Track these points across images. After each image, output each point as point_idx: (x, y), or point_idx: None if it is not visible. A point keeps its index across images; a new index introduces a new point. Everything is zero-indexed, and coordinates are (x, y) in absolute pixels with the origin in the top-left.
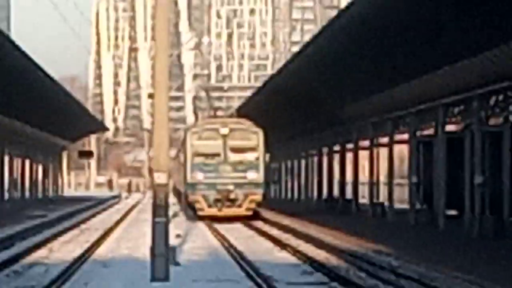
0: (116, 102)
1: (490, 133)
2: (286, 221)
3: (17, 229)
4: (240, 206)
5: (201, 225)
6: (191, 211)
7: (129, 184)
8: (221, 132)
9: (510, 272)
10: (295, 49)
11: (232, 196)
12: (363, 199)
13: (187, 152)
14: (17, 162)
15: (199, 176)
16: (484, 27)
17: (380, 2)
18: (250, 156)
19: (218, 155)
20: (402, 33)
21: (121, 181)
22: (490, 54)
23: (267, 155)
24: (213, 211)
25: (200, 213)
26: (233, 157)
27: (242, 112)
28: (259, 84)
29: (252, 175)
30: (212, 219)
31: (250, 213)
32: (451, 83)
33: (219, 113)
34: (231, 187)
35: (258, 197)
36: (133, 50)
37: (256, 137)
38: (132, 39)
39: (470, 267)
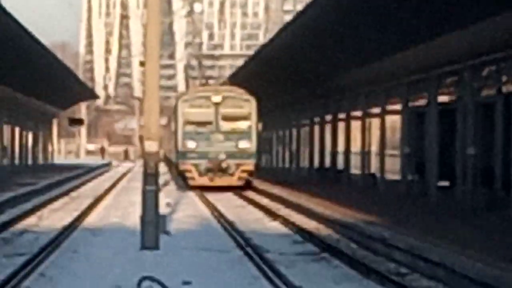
0: (107, 69)
1: (482, 104)
2: (276, 190)
3: (7, 196)
4: (232, 175)
5: (191, 194)
6: (182, 181)
7: (126, 152)
8: (213, 100)
9: (501, 243)
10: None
11: (224, 165)
12: (355, 170)
13: (178, 120)
14: (7, 130)
15: (191, 144)
16: None
17: None
18: (242, 125)
19: (210, 123)
20: (394, 3)
21: (112, 149)
22: (483, 24)
23: (260, 124)
24: (205, 180)
25: (191, 182)
26: (225, 125)
27: (234, 80)
28: (251, 53)
29: (244, 144)
30: (203, 189)
31: (242, 182)
32: (444, 53)
33: (211, 81)
34: (223, 156)
35: (250, 166)
36: (124, 17)
37: (248, 105)
38: (124, 6)
39: (461, 238)
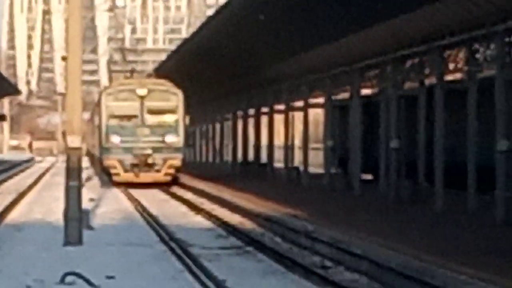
0: (29, 65)
1: (405, 97)
2: (200, 185)
3: None
4: (158, 171)
5: (115, 189)
6: (106, 177)
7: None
8: (138, 93)
9: (424, 235)
10: (210, 12)
11: (150, 160)
12: (278, 163)
13: (102, 114)
14: None
15: (115, 139)
16: None
17: None
18: (169, 119)
19: (135, 117)
20: None
21: (36, 145)
22: (405, 18)
23: (187, 118)
24: (130, 176)
25: (116, 178)
26: (151, 119)
27: (160, 73)
28: (173, 47)
29: (171, 139)
30: (129, 185)
31: (169, 178)
32: (366, 47)
33: (136, 75)
34: (149, 151)
35: (178, 161)
36: (46, 12)
37: (175, 98)
38: (46, 1)
39: (385, 231)
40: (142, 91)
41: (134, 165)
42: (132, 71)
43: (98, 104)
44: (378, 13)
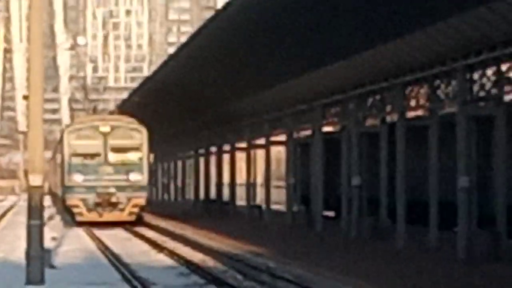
0: None
1: (367, 134)
2: (163, 223)
3: None
4: (122, 210)
5: (77, 228)
6: (69, 216)
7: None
8: (101, 130)
9: (385, 271)
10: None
11: (113, 199)
12: (241, 201)
13: (64, 152)
14: None
15: (78, 178)
16: (361, 28)
17: (254, 3)
18: (133, 157)
19: (98, 155)
20: (277, 34)
21: None
22: (366, 54)
23: (152, 155)
24: (94, 216)
25: (79, 218)
26: (115, 157)
27: (123, 109)
28: (135, 85)
29: (135, 177)
30: (92, 225)
31: (133, 218)
32: (328, 84)
33: (99, 111)
34: (112, 190)
35: (142, 200)
36: (7, 51)
37: (139, 136)
38: (7, 40)
39: (346, 267)
40: (105, 128)
41: (97, 204)
42: (95, 108)
43: (60, 141)
44: (339, 51)
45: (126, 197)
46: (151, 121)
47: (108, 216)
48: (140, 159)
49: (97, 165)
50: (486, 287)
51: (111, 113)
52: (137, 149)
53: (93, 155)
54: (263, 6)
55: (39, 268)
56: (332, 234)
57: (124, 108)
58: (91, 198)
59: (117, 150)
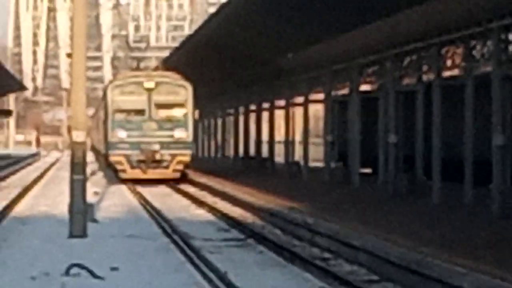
0: (35, 61)
1: (403, 93)
2: (203, 179)
3: None
4: (166, 167)
5: (118, 183)
6: (113, 173)
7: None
8: (145, 86)
9: (421, 228)
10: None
11: (157, 156)
12: (279, 158)
13: (108, 108)
14: None
15: (121, 134)
16: None
17: None
18: (177, 113)
19: (142, 111)
20: None
21: (41, 139)
22: (403, 15)
23: (196, 112)
24: (137, 173)
25: (122, 175)
26: (159, 113)
27: (169, 65)
28: (176, 44)
29: (180, 134)
30: (136, 182)
31: (177, 175)
32: (365, 44)
33: (143, 65)
34: (156, 147)
35: (187, 157)
36: (51, 10)
37: (184, 92)
38: None
39: (383, 223)
40: (149, 84)
41: (141, 161)
42: (138, 66)
43: (104, 97)
44: (376, 11)
45: (170, 154)
46: (194, 78)
47: (152, 173)
48: (185, 115)
49: (141, 121)
50: None
51: (155, 69)
52: (182, 105)
53: (137, 111)
54: None
55: (81, 222)
56: (369, 191)
57: (168, 64)
58: (135, 154)
59: (162, 106)
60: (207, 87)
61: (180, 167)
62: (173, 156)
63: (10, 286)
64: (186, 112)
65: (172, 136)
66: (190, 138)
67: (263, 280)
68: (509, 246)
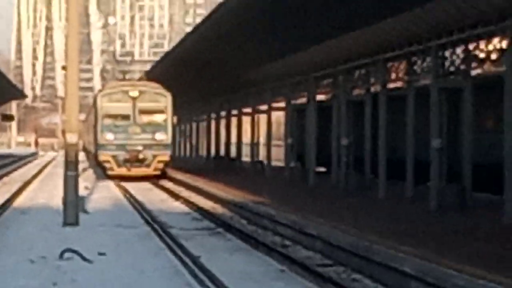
0: (34, 73)
1: (354, 102)
2: (179, 176)
3: None
4: (148, 166)
5: (106, 179)
6: (101, 171)
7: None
8: (130, 95)
9: (368, 219)
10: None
11: (141, 156)
12: (246, 158)
13: (98, 114)
14: None
15: (109, 137)
16: (350, 12)
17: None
18: (158, 118)
19: (127, 117)
20: (276, 19)
21: (39, 141)
22: (354, 34)
23: (175, 117)
24: (123, 170)
25: (110, 172)
26: (142, 118)
27: (151, 76)
28: (157, 58)
29: (160, 136)
30: (121, 179)
31: (158, 172)
32: (321, 59)
33: (128, 77)
34: (140, 148)
35: (166, 157)
36: (49, 29)
37: (164, 99)
38: (48, 19)
39: (335, 215)
40: (134, 93)
41: (126, 160)
42: (124, 77)
43: (94, 104)
44: (330, 30)
45: (152, 154)
46: (172, 88)
47: (136, 171)
48: (165, 120)
49: (127, 125)
50: (450, 231)
51: (139, 79)
52: (162, 111)
53: (123, 117)
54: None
55: (74, 212)
56: (323, 187)
57: (150, 75)
58: (121, 154)
59: (145, 112)
60: (184, 96)
61: (161, 165)
62: (155, 156)
63: (12, 268)
64: (165, 117)
65: (153, 139)
66: (169, 141)
67: (231, 263)
68: (444, 235)
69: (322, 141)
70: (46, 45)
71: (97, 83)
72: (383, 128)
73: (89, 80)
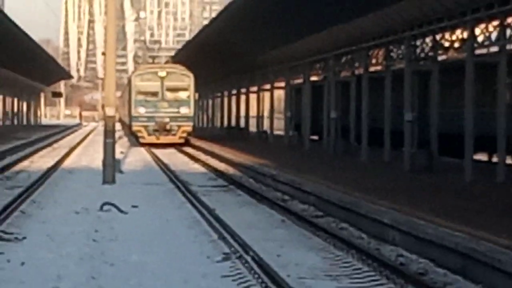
0: (79, 58)
1: (341, 83)
2: (198, 143)
3: (8, 146)
4: (174, 135)
5: (138, 146)
6: (134, 139)
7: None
8: (159, 75)
9: (353, 178)
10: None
11: (168, 127)
12: (252, 128)
13: (131, 91)
14: (9, 100)
15: (141, 110)
16: (340, 5)
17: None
18: (182, 95)
19: (156, 93)
20: (278, 11)
21: (83, 113)
22: (341, 26)
23: (196, 94)
24: (152, 138)
25: (141, 140)
26: (169, 95)
27: (176, 60)
28: (180, 46)
29: (184, 110)
30: (151, 145)
31: (182, 140)
32: (314, 47)
33: (157, 61)
34: (167, 120)
35: (189, 128)
36: (91, 21)
37: (188, 79)
38: (91, 13)
39: (326, 175)
40: (162, 73)
41: (155, 130)
42: (153, 61)
43: (129, 83)
44: (322, 23)
45: (177, 125)
46: (194, 70)
47: (164, 139)
48: (188, 97)
49: (156, 101)
50: (420, 188)
51: (166, 63)
52: (185, 89)
53: (153, 93)
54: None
55: (111, 173)
56: (316, 152)
57: (176, 59)
58: (151, 125)
59: (171, 90)
60: (203, 76)
61: (184, 134)
62: (179, 126)
63: (61, 218)
64: (188, 94)
65: (178, 112)
66: (191, 114)
67: (241, 214)
68: (415, 191)
69: (315, 114)
70: (88, 35)
71: (130, 66)
72: (365, 104)
73: (124, 63)
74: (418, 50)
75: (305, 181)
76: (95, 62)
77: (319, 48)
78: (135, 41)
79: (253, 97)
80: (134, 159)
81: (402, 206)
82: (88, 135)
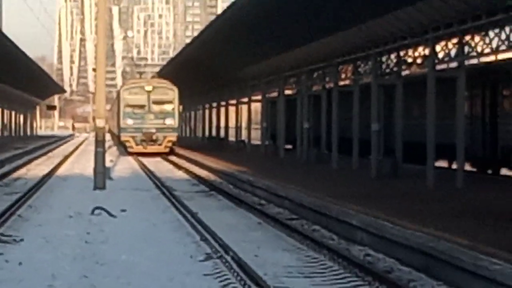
0: (71, 73)
1: (313, 96)
2: (181, 151)
3: (6, 155)
4: (160, 144)
5: (126, 155)
6: (123, 148)
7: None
8: (146, 89)
9: (324, 184)
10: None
11: (154, 137)
12: (232, 138)
13: (120, 104)
14: (7, 113)
15: (130, 122)
16: (311, 24)
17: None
18: (168, 107)
19: (143, 106)
20: (257, 31)
21: (76, 125)
22: (313, 44)
23: (181, 107)
24: (140, 148)
25: (129, 150)
26: (155, 108)
27: (161, 75)
28: (165, 63)
29: (169, 122)
30: (138, 154)
31: (167, 150)
32: (288, 63)
33: (143, 76)
34: (153, 130)
35: (174, 138)
36: (82, 40)
37: (172, 93)
38: (82, 32)
39: (299, 181)
40: (148, 88)
41: (143, 140)
42: (140, 76)
43: (117, 97)
44: (295, 41)
45: (162, 135)
46: (178, 84)
47: (150, 148)
48: (173, 109)
49: (143, 113)
50: (386, 193)
51: (152, 77)
52: (170, 102)
53: (140, 106)
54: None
55: (102, 179)
56: (290, 160)
57: (161, 74)
58: (139, 136)
59: (157, 102)
60: (187, 90)
61: (170, 144)
62: (165, 137)
63: (56, 222)
64: (173, 107)
65: (164, 123)
66: (176, 125)
67: (221, 217)
68: (382, 196)
69: (289, 125)
70: (80, 52)
71: (119, 81)
72: (335, 115)
73: (113, 79)
74: (383, 66)
75: (280, 187)
76: (86, 78)
77: (292, 64)
78: (123, 58)
79: (232, 110)
80: (123, 167)
81: (370, 209)
82: (80, 144)
